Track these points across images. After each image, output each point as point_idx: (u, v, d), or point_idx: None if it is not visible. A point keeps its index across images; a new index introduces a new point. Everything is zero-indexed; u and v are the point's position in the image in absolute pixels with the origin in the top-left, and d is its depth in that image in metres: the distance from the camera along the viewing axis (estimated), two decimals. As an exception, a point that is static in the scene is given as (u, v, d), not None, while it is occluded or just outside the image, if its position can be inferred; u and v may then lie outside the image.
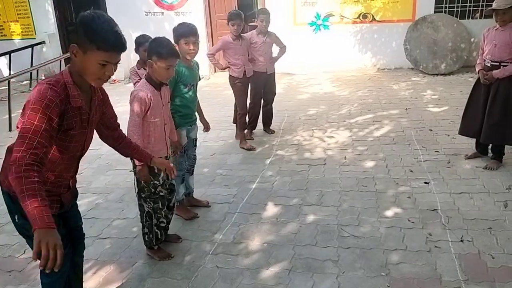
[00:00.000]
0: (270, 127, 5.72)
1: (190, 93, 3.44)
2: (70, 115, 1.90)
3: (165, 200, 3.06)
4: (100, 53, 1.81)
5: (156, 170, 2.92)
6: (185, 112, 3.44)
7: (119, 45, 1.85)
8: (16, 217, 2.02)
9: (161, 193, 3.00)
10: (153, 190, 2.96)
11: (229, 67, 5.14)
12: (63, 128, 1.90)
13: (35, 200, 1.59)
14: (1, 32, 10.51)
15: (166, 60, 2.74)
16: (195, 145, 3.75)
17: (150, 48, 2.80)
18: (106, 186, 4.41)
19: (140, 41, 4.16)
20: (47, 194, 1.73)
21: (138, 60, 4.28)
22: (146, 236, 3.08)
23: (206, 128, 3.94)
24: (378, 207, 3.62)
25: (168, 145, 3.05)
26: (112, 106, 2.30)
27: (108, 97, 2.26)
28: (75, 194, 2.31)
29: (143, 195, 2.99)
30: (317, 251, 3.08)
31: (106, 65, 1.86)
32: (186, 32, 3.30)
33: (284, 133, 5.61)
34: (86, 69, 1.86)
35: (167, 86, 3.03)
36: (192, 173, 3.78)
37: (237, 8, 9.03)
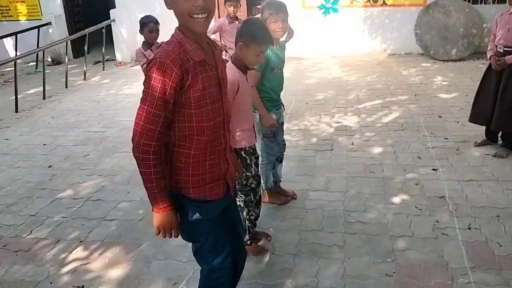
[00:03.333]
0: (277, 112, 5.66)
1: (277, 76, 3.21)
2: (193, 73, 1.69)
3: (255, 193, 2.89)
4: None
5: (248, 161, 2.74)
6: (272, 96, 3.21)
7: None
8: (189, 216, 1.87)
9: (252, 185, 2.82)
10: (244, 182, 2.78)
11: (224, 49, 5.06)
12: (191, 90, 1.70)
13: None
14: (7, 13, 10.46)
15: (259, 45, 2.47)
16: (283, 130, 3.54)
17: (243, 29, 2.51)
18: (112, 168, 4.40)
19: (144, 22, 4.12)
20: (210, 178, 1.84)
21: (143, 41, 4.23)
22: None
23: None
24: (385, 193, 3.59)
25: (256, 133, 2.84)
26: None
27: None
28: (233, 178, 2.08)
29: None
30: (323, 236, 3.07)
31: None
32: (272, 8, 3.01)
33: (291, 118, 5.56)
34: (177, 11, 1.68)
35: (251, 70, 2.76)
36: (281, 161, 3.57)
37: (245, -9, 8.91)
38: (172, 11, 1.72)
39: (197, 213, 1.84)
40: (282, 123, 3.49)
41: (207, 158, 1.83)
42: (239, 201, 2.81)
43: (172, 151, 1.80)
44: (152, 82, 1.64)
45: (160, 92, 1.64)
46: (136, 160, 1.73)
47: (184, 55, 1.67)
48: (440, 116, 5.29)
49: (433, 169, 3.95)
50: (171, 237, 1.84)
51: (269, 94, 3.17)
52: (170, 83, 1.64)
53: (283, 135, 3.53)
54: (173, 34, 1.74)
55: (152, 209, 1.79)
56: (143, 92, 1.68)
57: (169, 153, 1.81)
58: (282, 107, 3.38)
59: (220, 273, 2.00)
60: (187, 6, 1.64)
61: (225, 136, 1.90)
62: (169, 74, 1.63)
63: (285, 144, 3.56)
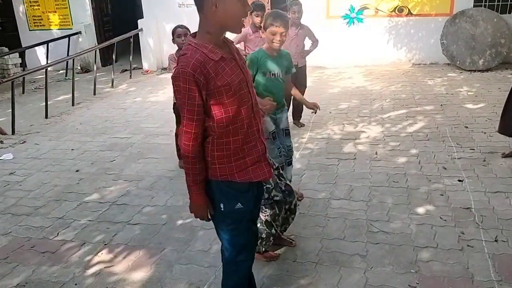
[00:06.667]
0: (300, 120, 5.68)
1: (271, 82, 3.28)
2: (216, 71, 1.83)
3: (282, 205, 2.81)
4: None
5: None
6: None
7: None
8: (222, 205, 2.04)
9: (275, 198, 2.73)
10: (266, 195, 2.68)
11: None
12: (218, 85, 1.84)
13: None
14: (40, 22, 10.85)
15: None
16: (287, 135, 3.55)
17: None
18: (137, 173, 4.49)
19: (173, 30, 4.41)
20: (251, 160, 1.98)
21: (177, 50, 4.40)
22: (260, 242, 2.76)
23: (313, 108, 3.60)
24: (409, 203, 3.54)
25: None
26: None
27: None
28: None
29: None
30: (345, 245, 3.05)
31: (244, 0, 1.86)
32: (276, 20, 3.09)
33: (314, 127, 5.56)
34: (230, 14, 1.83)
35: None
36: (290, 164, 3.60)
37: (270, 1, 8.99)
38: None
39: (239, 203, 1.99)
40: (284, 130, 3.49)
41: (245, 142, 1.96)
42: (264, 216, 2.76)
43: (212, 143, 1.92)
44: (181, 91, 1.79)
45: (190, 98, 1.79)
46: (183, 159, 1.93)
47: (203, 58, 1.80)
48: (467, 127, 5.20)
49: (459, 180, 3.88)
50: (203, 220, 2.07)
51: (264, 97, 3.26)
52: (195, 88, 1.78)
53: (289, 140, 3.55)
54: (187, 43, 1.90)
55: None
56: (176, 100, 1.87)
57: (210, 145, 1.92)
58: (284, 112, 3.45)
59: (243, 265, 2.20)
60: (242, 10, 1.85)
61: (255, 119, 2.01)
62: (193, 80, 1.77)
63: (290, 149, 3.57)
